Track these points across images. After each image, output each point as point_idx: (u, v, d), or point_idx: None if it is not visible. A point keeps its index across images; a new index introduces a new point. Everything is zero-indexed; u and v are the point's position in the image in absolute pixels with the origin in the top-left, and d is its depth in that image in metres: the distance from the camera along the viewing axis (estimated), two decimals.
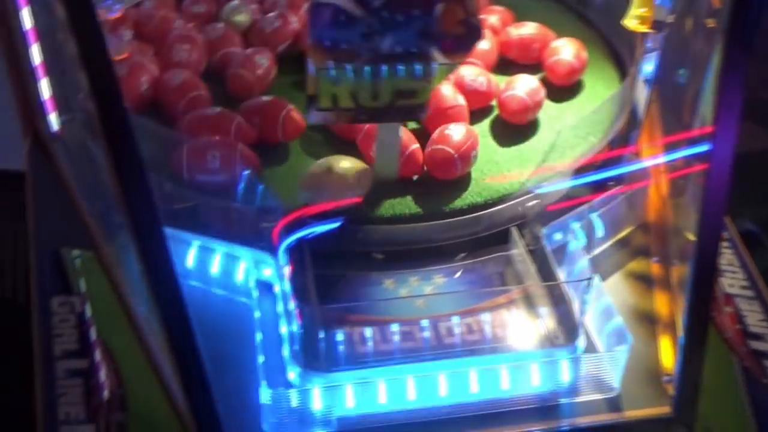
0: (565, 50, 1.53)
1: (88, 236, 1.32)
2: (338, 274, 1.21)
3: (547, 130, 1.36)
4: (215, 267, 1.25)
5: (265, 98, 1.39)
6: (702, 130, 1.21)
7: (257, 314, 1.16)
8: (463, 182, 1.30)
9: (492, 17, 1.66)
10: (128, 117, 0.86)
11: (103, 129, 0.86)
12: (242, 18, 1.64)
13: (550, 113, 1.47)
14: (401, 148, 1.28)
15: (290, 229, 1.19)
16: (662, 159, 1.36)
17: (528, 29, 1.60)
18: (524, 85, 1.40)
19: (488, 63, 1.54)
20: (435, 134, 1.30)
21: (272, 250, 1.20)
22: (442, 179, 1.29)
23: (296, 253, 1.19)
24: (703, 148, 1.05)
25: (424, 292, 1.21)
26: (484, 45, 1.50)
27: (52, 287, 1.26)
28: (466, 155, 1.28)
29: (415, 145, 1.31)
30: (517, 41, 1.58)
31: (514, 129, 1.43)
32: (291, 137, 1.34)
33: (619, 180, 1.41)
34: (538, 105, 1.41)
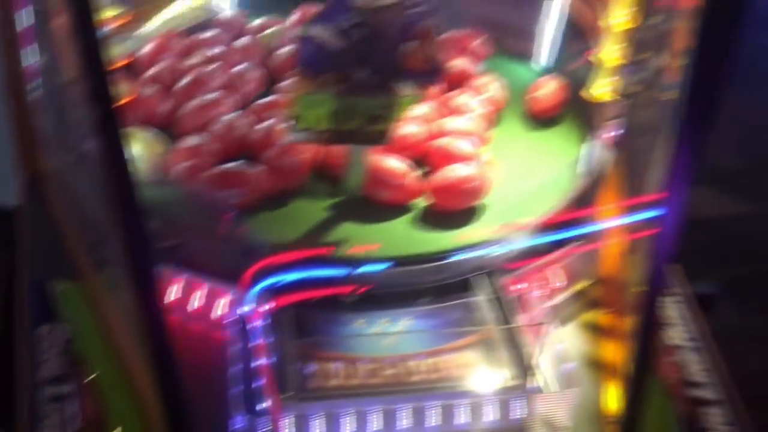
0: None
1: (77, 269, 1.39)
2: (312, 311, 1.28)
3: (511, 187, 1.45)
4: (195, 302, 1.32)
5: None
6: (654, 196, 1.30)
7: (233, 348, 1.23)
8: (432, 231, 1.39)
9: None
10: (127, 156, 0.93)
11: (106, 166, 0.93)
12: None
13: (515, 171, 1.57)
14: (389, 175, 1.39)
15: (268, 271, 1.27)
16: (619, 221, 1.46)
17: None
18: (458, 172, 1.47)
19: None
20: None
21: (250, 288, 1.28)
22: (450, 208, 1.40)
23: (272, 292, 1.27)
24: (653, 213, 1.15)
25: (392, 333, 1.28)
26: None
27: (40, 315, 1.32)
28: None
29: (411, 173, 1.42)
30: None
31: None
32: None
33: (579, 236, 1.50)
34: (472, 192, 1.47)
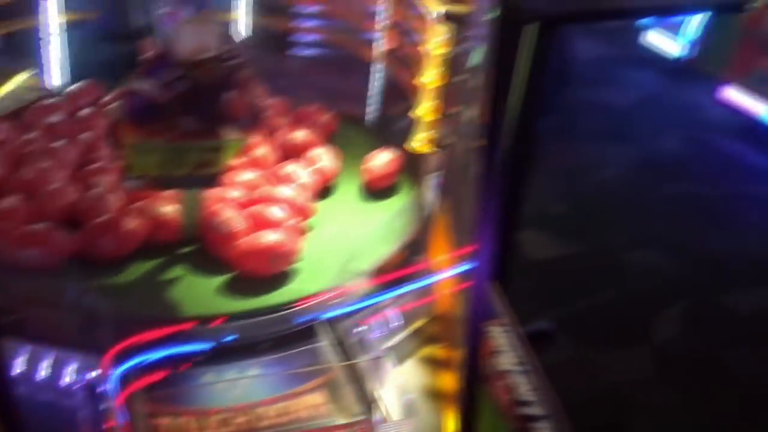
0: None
1: None
2: (164, 370, 1.32)
3: (345, 236, 1.55)
4: (42, 373, 1.33)
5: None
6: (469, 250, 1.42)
7: (82, 413, 1.24)
8: (272, 284, 1.46)
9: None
10: None
11: None
12: None
13: (350, 221, 1.67)
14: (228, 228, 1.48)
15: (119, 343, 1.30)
16: (448, 270, 1.58)
17: None
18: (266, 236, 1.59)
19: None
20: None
21: (99, 354, 1.30)
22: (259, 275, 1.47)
23: (123, 355, 1.30)
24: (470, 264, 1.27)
25: (240, 383, 1.34)
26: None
27: None
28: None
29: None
30: None
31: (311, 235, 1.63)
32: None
33: (413, 279, 1.61)
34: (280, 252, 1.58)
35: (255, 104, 1.47)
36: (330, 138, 1.94)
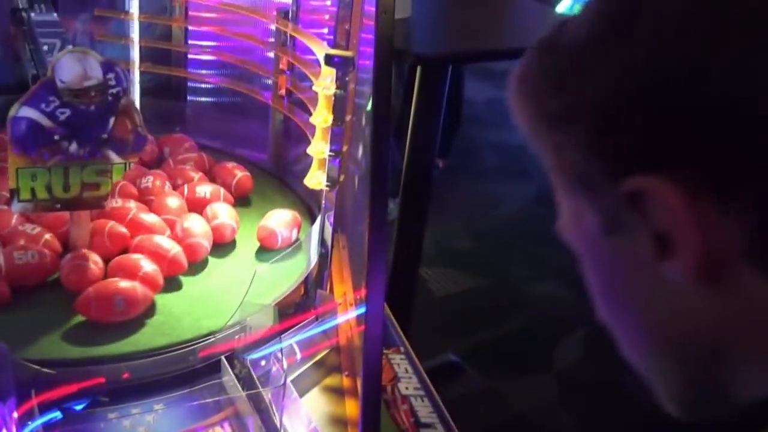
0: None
1: None
2: (64, 412, 1.33)
3: (248, 272, 1.58)
4: None
5: None
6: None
7: None
8: (170, 320, 1.49)
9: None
10: None
11: None
12: None
13: (249, 258, 1.71)
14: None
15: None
16: (347, 308, 1.64)
17: None
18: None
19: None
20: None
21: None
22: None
23: (23, 398, 1.30)
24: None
25: (146, 420, 1.35)
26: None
27: None
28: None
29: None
30: None
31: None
32: None
33: (315, 314, 1.66)
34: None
35: (139, 130, 1.56)
36: (241, 194, 1.98)
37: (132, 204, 1.74)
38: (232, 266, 1.71)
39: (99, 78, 1.50)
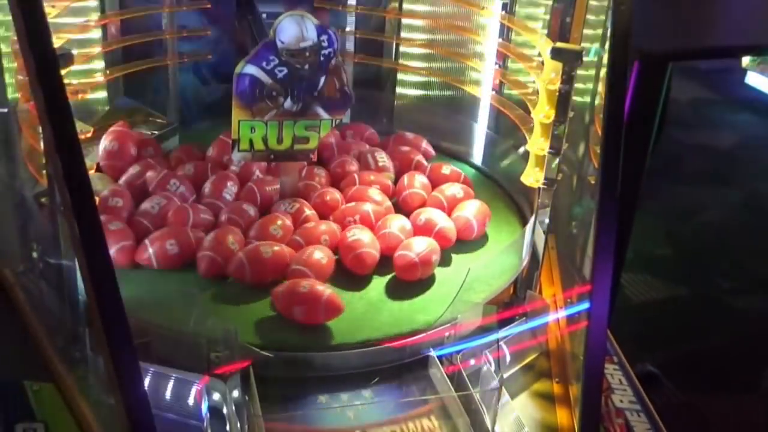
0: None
1: (49, 370, 1.44)
2: (281, 394, 1.36)
3: (460, 271, 1.56)
4: (168, 393, 1.38)
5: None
6: (583, 287, 1.42)
7: None
8: (388, 315, 1.49)
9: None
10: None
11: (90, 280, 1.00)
12: None
13: (462, 257, 1.69)
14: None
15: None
16: (558, 310, 1.58)
17: None
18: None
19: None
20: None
21: (221, 377, 1.35)
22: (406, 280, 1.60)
23: (241, 377, 1.34)
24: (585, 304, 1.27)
25: (355, 408, 1.36)
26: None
27: (14, 415, 1.36)
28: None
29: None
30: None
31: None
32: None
33: (524, 313, 1.62)
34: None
35: (345, 89, 1.67)
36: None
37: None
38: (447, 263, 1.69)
39: (314, 39, 1.61)
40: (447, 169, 1.94)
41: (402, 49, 2.23)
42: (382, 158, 1.93)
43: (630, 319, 3.14)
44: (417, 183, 1.85)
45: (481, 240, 1.79)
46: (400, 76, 2.28)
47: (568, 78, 1.52)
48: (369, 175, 1.87)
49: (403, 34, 2.21)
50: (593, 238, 1.31)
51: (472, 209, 1.77)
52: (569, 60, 1.51)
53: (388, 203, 1.79)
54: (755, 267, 3.48)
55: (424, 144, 2.06)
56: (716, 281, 3.45)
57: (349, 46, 2.17)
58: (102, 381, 1.25)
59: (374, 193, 1.79)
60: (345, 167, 1.89)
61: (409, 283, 1.62)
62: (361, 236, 1.63)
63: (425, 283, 1.63)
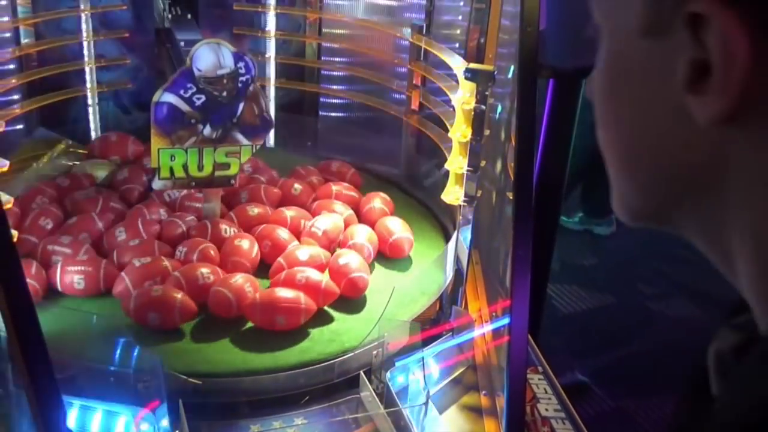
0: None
1: None
2: (209, 422, 1.35)
3: (385, 290, 1.58)
4: (95, 425, 1.37)
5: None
6: (506, 301, 1.45)
7: None
8: (316, 335, 1.50)
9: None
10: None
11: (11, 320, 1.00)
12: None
13: (386, 275, 1.71)
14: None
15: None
16: (484, 324, 1.62)
17: None
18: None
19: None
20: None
21: (150, 407, 1.34)
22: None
23: (169, 407, 1.33)
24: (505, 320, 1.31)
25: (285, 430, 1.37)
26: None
27: None
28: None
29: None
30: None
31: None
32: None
33: (450, 329, 1.65)
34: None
35: (265, 115, 1.70)
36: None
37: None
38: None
39: (231, 67, 1.62)
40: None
41: (323, 72, 2.25)
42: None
43: (559, 329, 3.22)
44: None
45: (406, 259, 1.82)
46: (322, 99, 2.30)
47: (482, 98, 1.57)
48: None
49: (324, 58, 2.23)
50: (511, 252, 1.35)
51: (363, 236, 1.78)
52: (482, 80, 1.56)
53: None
54: (677, 273, 3.60)
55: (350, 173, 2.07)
56: (640, 288, 3.55)
57: (270, 71, 2.19)
58: (28, 418, 1.23)
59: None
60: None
61: (334, 303, 1.63)
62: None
63: (352, 304, 1.65)
